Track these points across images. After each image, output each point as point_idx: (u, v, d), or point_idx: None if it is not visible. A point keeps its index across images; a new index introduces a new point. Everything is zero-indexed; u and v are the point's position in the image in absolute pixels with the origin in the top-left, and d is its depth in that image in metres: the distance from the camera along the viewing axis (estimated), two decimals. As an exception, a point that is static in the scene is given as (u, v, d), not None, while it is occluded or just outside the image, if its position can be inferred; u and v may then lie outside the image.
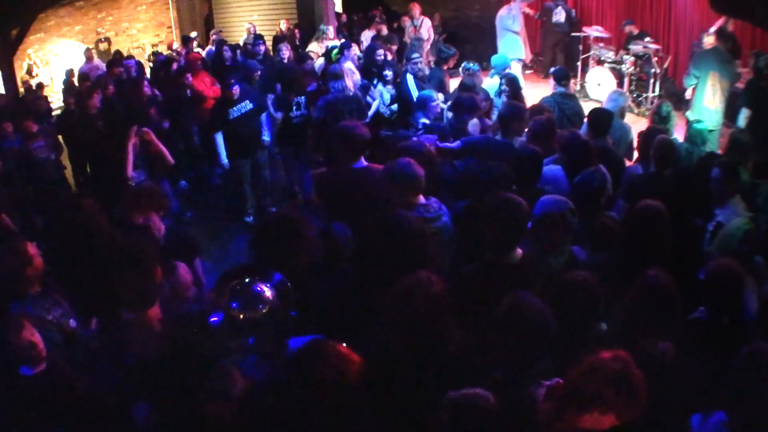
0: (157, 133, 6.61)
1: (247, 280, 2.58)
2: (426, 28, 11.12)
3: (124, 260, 2.89)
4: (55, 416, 2.68)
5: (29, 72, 11.33)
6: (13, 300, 3.28)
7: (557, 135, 4.72)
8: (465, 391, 2.08)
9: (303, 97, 7.06)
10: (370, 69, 7.63)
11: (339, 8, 13.74)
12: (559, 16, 11.63)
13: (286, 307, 2.54)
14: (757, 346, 2.46)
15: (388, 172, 3.62)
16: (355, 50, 8.45)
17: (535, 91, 8.73)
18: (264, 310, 2.50)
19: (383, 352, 2.35)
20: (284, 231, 2.91)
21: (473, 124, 5.45)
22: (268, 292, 2.54)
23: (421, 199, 3.61)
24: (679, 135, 5.88)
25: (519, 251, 3.01)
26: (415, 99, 6.45)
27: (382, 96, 7.07)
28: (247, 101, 6.81)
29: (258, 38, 10.29)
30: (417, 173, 3.53)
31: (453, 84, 7.75)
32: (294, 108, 7.04)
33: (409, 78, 6.97)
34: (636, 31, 10.27)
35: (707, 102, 7.15)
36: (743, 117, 6.55)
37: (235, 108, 6.73)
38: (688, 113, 7.40)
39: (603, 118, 5.09)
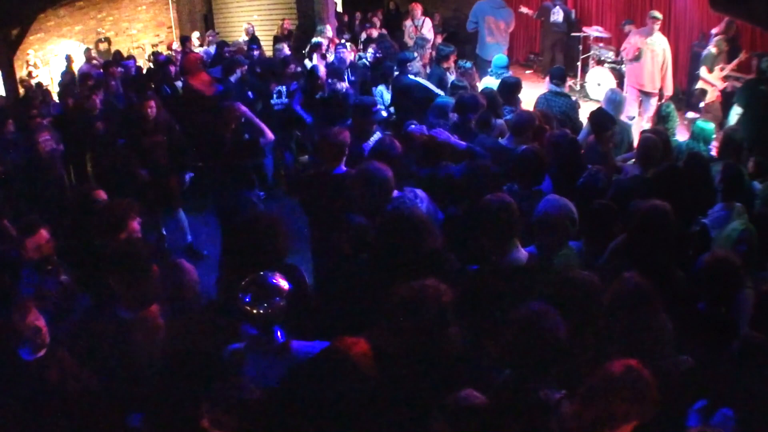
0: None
1: (261, 273, 2.58)
2: (428, 29, 11.13)
3: (119, 262, 2.91)
4: (51, 402, 2.66)
5: (29, 75, 11.33)
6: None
7: (547, 133, 4.72)
8: (458, 394, 2.07)
9: (284, 87, 7.17)
10: (375, 67, 7.66)
11: (339, 8, 13.74)
12: (557, 15, 11.63)
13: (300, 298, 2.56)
14: (749, 336, 2.47)
15: (359, 178, 3.65)
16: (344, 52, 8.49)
17: (535, 92, 8.72)
18: (282, 303, 2.50)
19: (383, 356, 2.33)
20: (258, 232, 2.96)
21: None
22: (283, 283, 2.54)
23: (395, 193, 3.66)
24: (680, 135, 5.89)
25: (524, 253, 3.00)
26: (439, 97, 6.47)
27: (382, 96, 7.08)
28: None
29: (253, 41, 10.30)
30: (387, 175, 3.60)
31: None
32: (275, 96, 7.06)
33: (421, 80, 6.97)
34: (635, 32, 10.29)
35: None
36: (734, 114, 6.58)
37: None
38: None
39: (604, 119, 5.09)
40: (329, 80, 6.86)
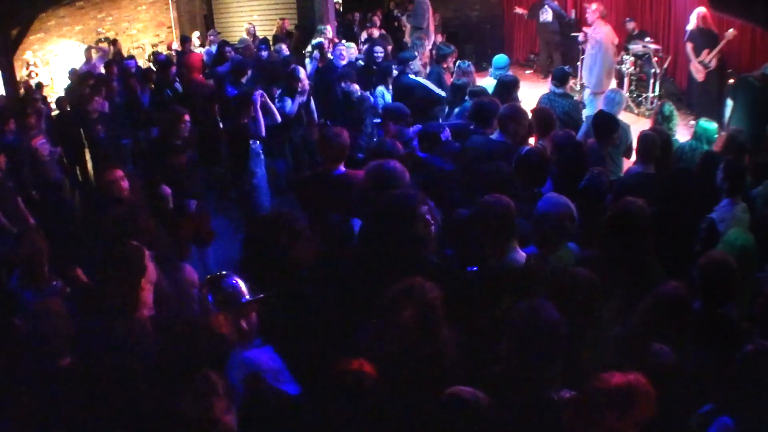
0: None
1: (221, 273, 2.63)
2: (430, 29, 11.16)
3: (110, 267, 2.90)
4: (83, 406, 2.68)
5: (29, 75, 11.33)
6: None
7: (552, 134, 4.72)
8: (456, 388, 2.09)
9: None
10: (370, 67, 7.64)
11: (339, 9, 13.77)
12: (546, 15, 11.65)
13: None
14: (761, 344, 2.47)
15: (372, 174, 3.57)
16: (340, 49, 8.45)
17: (535, 91, 8.73)
18: (243, 301, 2.52)
19: (377, 360, 2.31)
20: (276, 230, 2.90)
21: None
22: (242, 284, 2.57)
23: None
24: (681, 135, 5.90)
25: (522, 254, 3.00)
26: (442, 96, 6.61)
27: (383, 96, 7.07)
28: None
29: (262, 42, 10.34)
30: (404, 177, 3.51)
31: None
32: (277, 100, 7.10)
33: (422, 80, 6.96)
34: (636, 30, 10.30)
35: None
36: (728, 108, 6.66)
37: None
38: None
39: (608, 122, 5.10)
40: (343, 84, 6.80)
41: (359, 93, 6.75)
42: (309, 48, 9.99)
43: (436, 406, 2.06)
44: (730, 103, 6.67)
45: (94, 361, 2.82)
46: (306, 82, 7.07)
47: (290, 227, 2.87)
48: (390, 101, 7.08)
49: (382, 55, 7.94)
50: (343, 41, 9.66)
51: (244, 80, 7.67)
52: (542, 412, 2.18)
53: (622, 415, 1.99)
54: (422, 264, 2.84)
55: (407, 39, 11.03)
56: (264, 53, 9.45)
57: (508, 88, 6.09)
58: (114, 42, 12.62)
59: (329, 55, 8.69)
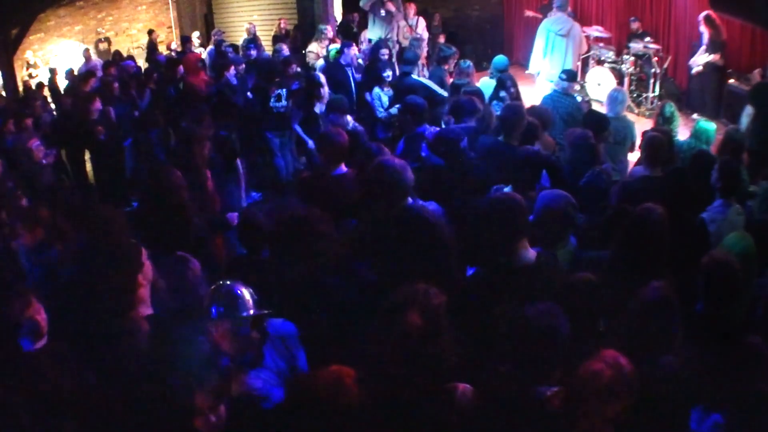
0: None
1: (227, 281, 2.53)
2: (422, 28, 11.13)
3: (104, 265, 2.89)
4: (52, 391, 2.67)
5: (29, 75, 11.33)
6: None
7: (567, 132, 4.74)
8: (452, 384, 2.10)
9: (284, 90, 7.21)
10: (373, 68, 7.64)
11: (339, 9, 13.75)
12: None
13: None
14: (752, 342, 2.47)
15: (375, 175, 3.46)
16: (354, 50, 8.45)
17: (534, 91, 8.74)
18: (243, 314, 2.41)
19: (376, 367, 2.26)
20: (300, 230, 2.87)
21: None
22: (247, 296, 2.46)
23: (409, 200, 3.47)
24: (681, 135, 5.89)
25: (532, 252, 2.99)
26: (445, 96, 6.64)
27: (380, 99, 7.07)
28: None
29: (251, 41, 10.35)
30: (406, 176, 3.35)
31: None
32: (273, 99, 7.14)
33: (425, 81, 6.96)
34: (640, 30, 10.32)
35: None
36: (746, 115, 6.56)
37: None
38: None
39: (598, 121, 5.13)
40: (331, 115, 6.48)
41: (351, 125, 5.80)
42: (311, 48, 10.01)
43: (431, 401, 2.05)
44: (750, 110, 6.55)
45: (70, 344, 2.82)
46: (327, 88, 7.07)
47: (309, 226, 2.86)
48: (387, 102, 7.10)
49: (387, 57, 7.94)
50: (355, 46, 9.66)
51: (231, 77, 7.73)
52: (529, 409, 2.18)
53: (608, 398, 2.01)
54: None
55: (401, 39, 10.93)
56: (253, 52, 9.49)
57: (506, 88, 6.15)
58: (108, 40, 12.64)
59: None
